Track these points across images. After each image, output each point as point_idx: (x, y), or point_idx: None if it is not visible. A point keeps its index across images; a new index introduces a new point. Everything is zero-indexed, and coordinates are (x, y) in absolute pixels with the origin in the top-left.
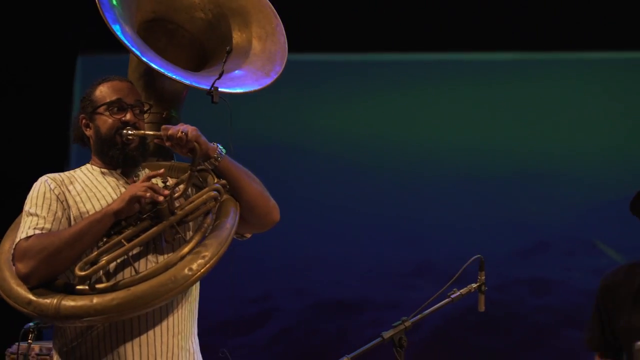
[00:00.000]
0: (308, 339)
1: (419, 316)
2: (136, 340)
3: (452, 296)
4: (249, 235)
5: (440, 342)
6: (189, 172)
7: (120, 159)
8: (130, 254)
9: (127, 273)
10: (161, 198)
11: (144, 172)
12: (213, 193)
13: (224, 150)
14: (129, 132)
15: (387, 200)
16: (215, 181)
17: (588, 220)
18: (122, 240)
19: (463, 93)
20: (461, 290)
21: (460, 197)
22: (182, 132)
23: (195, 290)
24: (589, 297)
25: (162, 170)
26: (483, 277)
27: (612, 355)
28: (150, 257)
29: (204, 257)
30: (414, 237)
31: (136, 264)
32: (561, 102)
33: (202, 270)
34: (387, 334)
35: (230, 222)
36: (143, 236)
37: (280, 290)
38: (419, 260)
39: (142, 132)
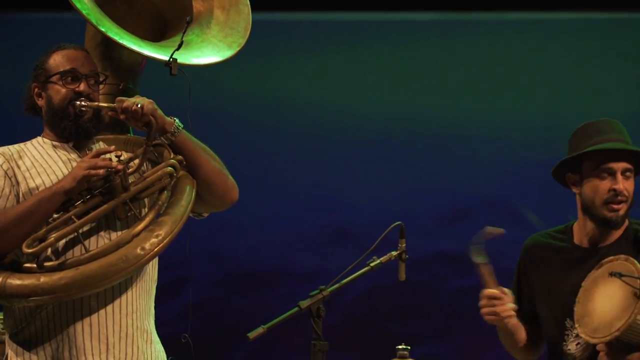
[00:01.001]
0: (222, 310)
1: (337, 285)
2: (87, 320)
3: (372, 264)
4: (206, 214)
5: (355, 326)
6: (144, 146)
7: (72, 130)
8: (80, 231)
9: (77, 251)
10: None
11: (98, 146)
12: (168, 169)
13: (181, 125)
14: (82, 103)
15: (304, 165)
16: (172, 157)
17: (511, 184)
18: (73, 217)
19: (382, 54)
20: (381, 259)
21: (380, 161)
22: (137, 105)
23: (152, 269)
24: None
25: (112, 147)
26: (404, 245)
27: (535, 325)
28: (101, 235)
29: (157, 235)
30: (332, 203)
31: (86, 242)
32: (482, 63)
33: (155, 250)
34: (304, 304)
35: (185, 200)
36: (94, 213)
37: (195, 257)
38: (338, 227)
39: (96, 103)
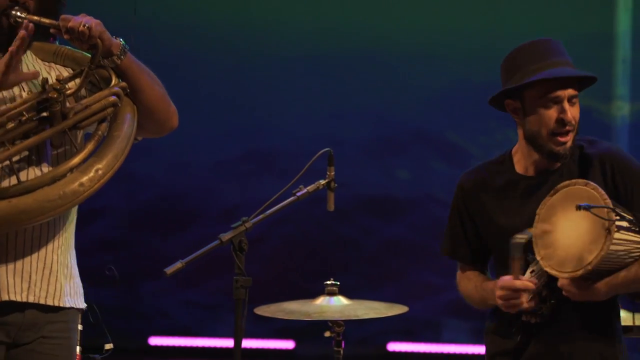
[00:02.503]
0: (140, 242)
1: (262, 216)
2: (11, 255)
3: (298, 194)
4: (140, 139)
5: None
6: (86, 69)
7: (4, 44)
8: (13, 159)
9: (9, 182)
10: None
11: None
12: (113, 98)
13: (127, 47)
14: (19, 13)
15: (225, 84)
16: (115, 83)
17: (440, 112)
18: (6, 142)
19: None
20: (308, 188)
21: (308, 81)
22: (84, 26)
23: None
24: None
25: (36, 72)
26: (332, 173)
27: (477, 261)
28: (34, 165)
29: (97, 170)
30: (255, 127)
31: (20, 173)
32: None
33: (95, 186)
34: (225, 236)
35: (127, 131)
36: (30, 140)
37: (111, 184)
38: (264, 153)
39: (37, 18)
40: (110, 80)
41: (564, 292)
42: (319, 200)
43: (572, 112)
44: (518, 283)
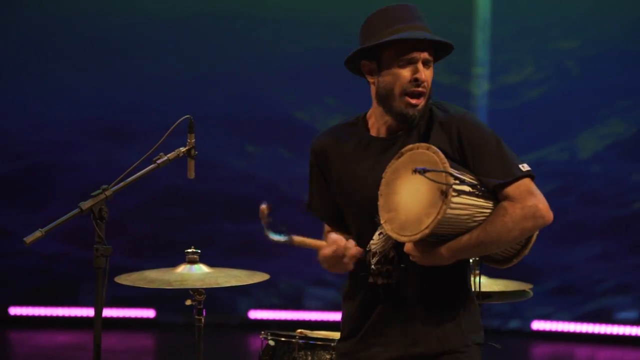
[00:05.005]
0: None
1: (122, 184)
2: None
3: (159, 161)
4: None
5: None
6: None
7: None
8: None
9: None
10: None
11: None
12: None
13: None
14: None
15: (81, 51)
16: None
17: (316, 76)
18: None
19: None
20: (168, 155)
21: (166, 42)
22: None
23: None
24: None
25: None
26: (193, 140)
27: (340, 220)
28: None
29: None
30: (113, 89)
31: None
32: None
33: None
34: (85, 205)
35: None
36: None
37: None
38: (123, 118)
39: None
40: None
41: (410, 258)
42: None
43: (426, 74)
44: (328, 251)
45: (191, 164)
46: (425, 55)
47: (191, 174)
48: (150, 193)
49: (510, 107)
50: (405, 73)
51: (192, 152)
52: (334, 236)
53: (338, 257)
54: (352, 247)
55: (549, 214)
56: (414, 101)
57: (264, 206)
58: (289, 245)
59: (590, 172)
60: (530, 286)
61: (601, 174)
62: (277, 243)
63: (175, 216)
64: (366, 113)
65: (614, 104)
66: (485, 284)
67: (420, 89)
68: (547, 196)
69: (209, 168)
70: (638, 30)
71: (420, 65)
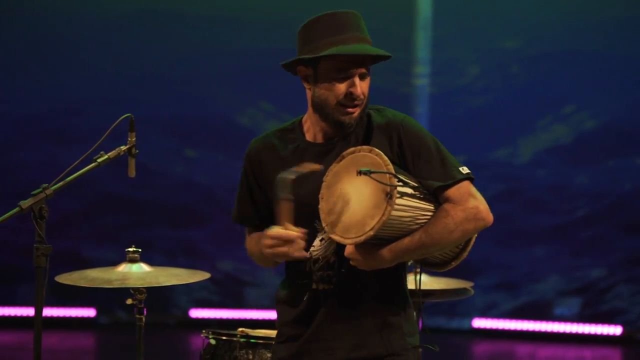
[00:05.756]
0: None
1: (62, 183)
2: None
3: (99, 160)
4: None
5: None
6: None
7: None
8: None
9: None
10: None
11: None
12: None
13: None
14: None
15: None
16: None
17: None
18: None
19: None
20: (109, 154)
21: (107, 34)
22: None
23: None
24: None
25: None
26: (134, 139)
27: (265, 226)
28: None
29: None
30: (54, 89)
31: None
32: None
33: None
34: (25, 203)
35: None
36: None
37: None
38: (63, 118)
39: None
40: None
41: (351, 262)
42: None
43: (362, 87)
44: (284, 232)
45: (132, 162)
46: (362, 70)
47: (132, 173)
48: (90, 199)
49: (452, 109)
50: (341, 87)
51: (133, 150)
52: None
53: (285, 239)
54: (302, 242)
55: (489, 216)
56: (350, 110)
57: (311, 165)
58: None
59: (532, 176)
60: (471, 284)
61: (543, 178)
62: (277, 195)
63: (116, 222)
64: (301, 118)
65: (556, 106)
66: (427, 282)
67: (355, 102)
68: (489, 200)
69: (148, 172)
70: (580, 30)
71: (356, 80)
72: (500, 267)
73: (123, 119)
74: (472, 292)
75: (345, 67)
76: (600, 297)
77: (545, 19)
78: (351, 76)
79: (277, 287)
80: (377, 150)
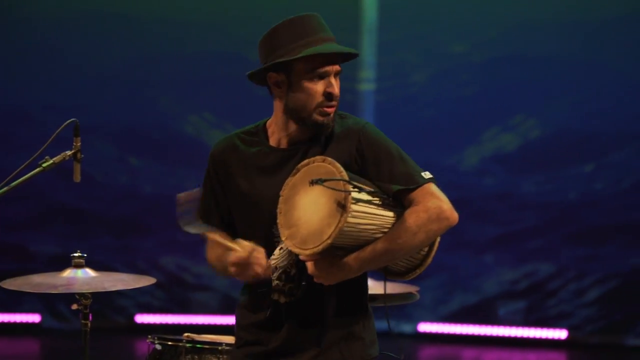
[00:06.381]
0: None
1: (6, 188)
2: None
3: (44, 165)
4: None
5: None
6: None
7: None
8: None
9: None
10: None
11: None
12: None
13: None
14: None
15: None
16: None
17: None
18: None
19: None
20: (54, 158)
21: (53, 44)
22: None
23: None
24: None
25: None
26: (79, 144)
27: (229, 228)
28: None
29: None
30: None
31: None
32: None
33: None
34: None
35: None
36: None
37: None
38: (6, 125)
39: None
40: None
41: (314, 279)
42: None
43: (337, 86)
44: (242, 259)
45: (77, 167)
46: (337, 68)
47: (77, 178)
48: (35, 209)
49: (397, 114)
50: (319, 88)
51: (78, 155)
52: (246, 243)
53: (247, 264)
54: (262, 257)
55: (453, 215)
56: (328, 110)
57: (181, 195)
58: (201, 238)
59: (479, 184)
60: (417, 289)
61: (490, 187)
62: (191, 233)
63: (59, 232)
64: (266, 121)
65: (504, 113)
66: (372, 286)
67: (333, 102)
68: None
69: (92, 181)
70: (529, 36)
71: (332, 79)
72: (446, 272)
73: (68, 123)
74: (418, 296)
75: (321, 67)
76: (545, 301)
77: (493, 24)
78: (327, 76)
79: (224, 292)
80: (330, 159)
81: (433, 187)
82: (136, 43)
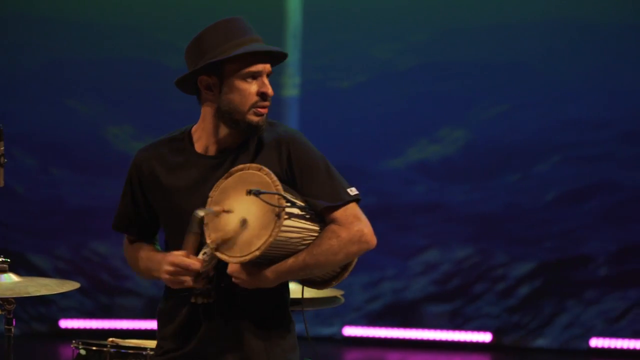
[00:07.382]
0: None
1: None
2: None
3: None
4: None
5: None
6: None
7: None
8: None
9: None
10: None
11: None
12: None
13: None
14: None
15: None
16: None
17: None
18: None
19: None
20: None
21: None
22: None
23: None
24: None
25: None
26: (2, 148)
27: (147, 234)
28: None
29: None
30: None
31: None
32: None
33: None
34: None
35: None
36: None
37: None
38: None
39: None
40: None
41: (233, 279)
42: None
43: (269, 86)
44: (187, 261)
45: (0, 172)
46: (268, 67)
47: (0, 182)
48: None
49: (322, 120)
50: (252, 88)
51: (2, 160)
52: (178, 253)
53: (187, 272)
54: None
55: (373, 239)
56: (262, 110)
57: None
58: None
59: (404, 194)
60: (342, 292)
61: (416, 196)
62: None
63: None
64: (191, 127)
65: (429, 121)
66: (295, 290)
67: (267, 102)
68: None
69: (12, 192)
70: (447, 42)
71: (265, 79)
72: (371, 275)
73: None
74: (343, 300)
75: (254, 65)
76: (470, 304)
77: (420, 30)
78: (259, 76)
79: (149, 296)
80: (266, 169)
81: (357, 209)
82: (60, 47)
